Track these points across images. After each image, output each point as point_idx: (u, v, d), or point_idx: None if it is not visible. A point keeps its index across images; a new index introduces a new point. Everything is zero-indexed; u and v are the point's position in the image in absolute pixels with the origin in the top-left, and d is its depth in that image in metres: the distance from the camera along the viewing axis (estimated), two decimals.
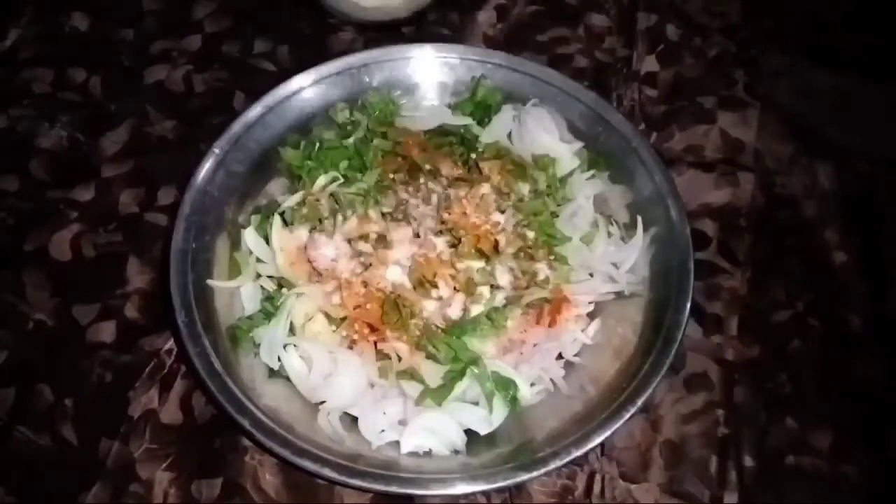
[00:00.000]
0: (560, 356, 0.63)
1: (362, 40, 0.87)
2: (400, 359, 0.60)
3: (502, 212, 0.66)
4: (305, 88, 0.71)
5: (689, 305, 0.60)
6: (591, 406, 0.58)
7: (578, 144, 0.71)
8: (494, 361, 0.60)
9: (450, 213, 0.66)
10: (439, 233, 0.65)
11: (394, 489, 0.53)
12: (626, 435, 0.63)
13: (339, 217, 0.66)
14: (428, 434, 0.58)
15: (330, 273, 0.63)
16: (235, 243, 0.66)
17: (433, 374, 0.59)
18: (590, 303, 0.65)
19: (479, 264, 0.63)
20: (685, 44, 0.88)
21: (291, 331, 0.62)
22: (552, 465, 0.54)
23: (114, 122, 0.80)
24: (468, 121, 0.73)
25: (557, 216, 0.68)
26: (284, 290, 0.63)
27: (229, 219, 0.66)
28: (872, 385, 0.66)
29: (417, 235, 0.65)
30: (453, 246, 0.64)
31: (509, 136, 0.73)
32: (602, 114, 0.70)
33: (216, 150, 0.66)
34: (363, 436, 0.58)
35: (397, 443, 0.58)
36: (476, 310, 0.62)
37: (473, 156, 0.71)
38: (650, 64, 0.86)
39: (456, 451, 0.58)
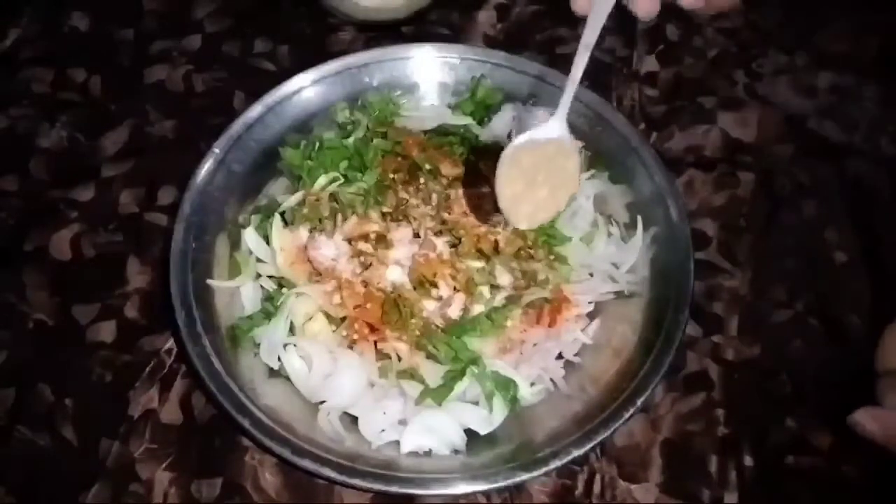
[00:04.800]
0: (560, 356, 0.63)
1: (362, 40, 0.87)
2: (400, 359, 0.60)
3: None
4: (305, 88, 0.71)
5: (689, 305, 0.60)
6: (591, 406, 0.58)
7: (578, 144, 0.71)
8: (494, 361, 0.60)
9: (450, 213, 0.66)
10: (439, 233, 0.65)
11: (394, 489, 0.53)
12: (626, 435, 0.63)
13: (339, 217, 0.66)
14: (428, 434, 0.58)
15: (330, 273, 0.63)
16: (235, 243, 0.66)
17: (433, 373, 0.59)
18: (590, 303, 0.65)
19: (479, 264, 0.63)
20: (685, 44, 0.88)
21: (291, 331, 0.62)
22: (552, 465, 0.54)
23: (114, 122, 0.80)
24: (468, 120, 0.74)
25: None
26: (284, 290, 0.64)
27: (229, 219, 0.66)
28: (872, 385, 0.66)
29: (417, 235, 0.65)
30: (453, 246, 0.64)
31: (509, 136, 0.73)
32: (602, 114, 0.70)
33: (216, 150, 0.66)
34: (363, 436, 0.58)
35: (397, 443, 0.58)
36: (476, 310, 0.62)
37: (473, 157, 0.71)
38: (650, 64, 0.86)
39: (456, 451, 0.58)
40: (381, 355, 0.61)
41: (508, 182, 0.55)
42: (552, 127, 0.55)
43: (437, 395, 0.58)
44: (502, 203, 0.55)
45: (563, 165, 0.55)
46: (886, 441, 0.53)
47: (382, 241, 0.64)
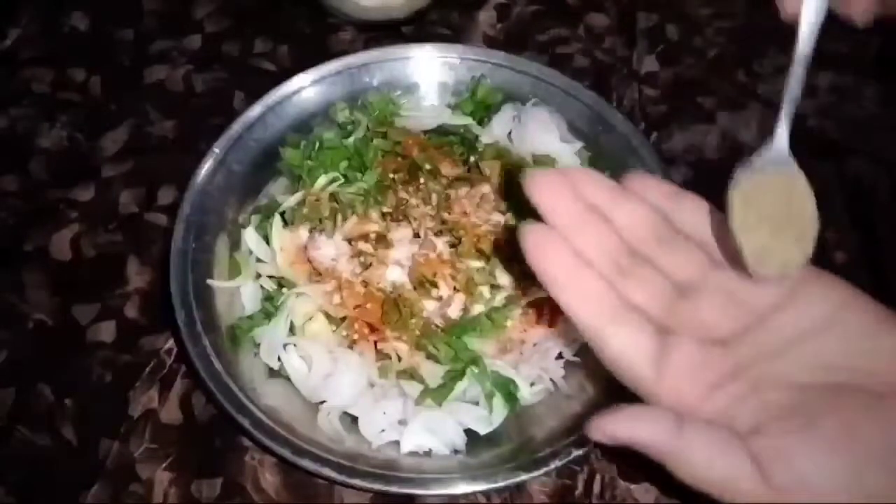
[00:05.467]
0: (560, 356, 0.63)
1: (362, 40, 0.87)
2: (400, 359, 0.60)
3: (503, 212, 0.66)
4: (305, 88, 0.71)
5: None
6: (591, 406, 0.58)
7: (578, 144, 0.71)
8: (494, 361, 0.60)
9: (450, 213, 0.66)
10: (439, 233, 0.65)
11: (394, 489, 0.53)
12: None
13: (339, 217, 0.66)
14: (428, 434, 0.58)
15: (330, 273, 0.63)
16: (235, 243, 0.66)
17: (433, 373, 0.59)
18: None
19: (479, 264, 0.63)
20: (685, 44, 0.88)
21: (291, 331, 0.62)
22: (552, 465, 0.54)
23: (114, 122, 0.80)
24: (468, 121, 0.73)
25: None
26: (284, 290, 0.63)
27: (229, 219, 0.66)
28: None
29: (417, 235, 0.65)
30: (453, 246, 0.64)
31: (509, 136, 0.73)
32: (602, 114, 0.70)
33: (216, 150, 0.66)
34: (363, 436, 0.58)
35: (397, 443, 0.58)
36: (476, 310, 0.62)
37: (473, 157, 0.71)
38: (650, 64, 0.86)
39: (456, 451, 0.58)
40: (381, 355, 0.61)
41: (750, 229, 0.47)
42: (777, 153, 0.48)
43: (437, 395, 0.58)
44: (747, 254, 0.46)
45: (799, 196, 0.48)
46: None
47: (382, 241, 0.64)
